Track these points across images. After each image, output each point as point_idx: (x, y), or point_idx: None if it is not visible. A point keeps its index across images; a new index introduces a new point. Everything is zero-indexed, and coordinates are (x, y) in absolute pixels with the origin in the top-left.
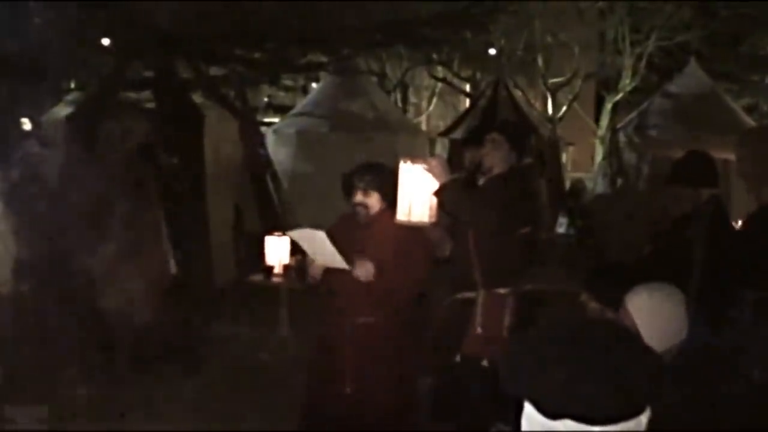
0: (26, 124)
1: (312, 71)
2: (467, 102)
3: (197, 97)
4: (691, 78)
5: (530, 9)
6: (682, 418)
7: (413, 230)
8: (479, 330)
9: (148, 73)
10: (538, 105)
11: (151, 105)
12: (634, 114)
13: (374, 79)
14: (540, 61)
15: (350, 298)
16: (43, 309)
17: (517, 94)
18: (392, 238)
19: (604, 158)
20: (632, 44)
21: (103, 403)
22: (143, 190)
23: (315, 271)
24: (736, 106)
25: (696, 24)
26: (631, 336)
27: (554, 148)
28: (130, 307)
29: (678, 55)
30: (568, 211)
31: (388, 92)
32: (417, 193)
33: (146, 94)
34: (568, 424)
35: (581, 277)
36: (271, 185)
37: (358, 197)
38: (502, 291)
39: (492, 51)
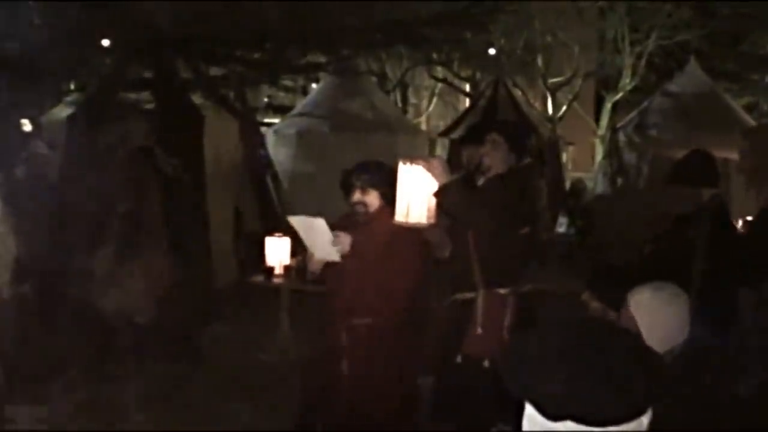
0: (27, 125)
1: (312, 71)
2: (467, 102)
3: (197, 98)
4: (691, 77)
5: (530, 9)
6: (683, 419)
7: (413, 230)
8: (480, 330)
9: (148, 74)
10: (538, 105)
11: (150, 106)
12: (634, 113)
13: (374, 79)
14: (540, 60)
15: (349, 298)
16: (43, 310)
17: (517, 93)
18: (391, 236)
19: (604, 158)
20: (632, 43)
21: (103, 404)
22: (144, 190)
23: (314, 267)
24: (736, 105)
25: (696, 23)
26: (632, 336)
27: (554, 147)
28: (130, 308)
29: (678, 54)
30: (568, 211)
31: (388, 92)
32: (416, 193)
33: (146, 94)
34: (569, 425)
35: (582, 277)
36: (271, 186)
37: (357, 196)
38: (502, 291)
39: (492, 51)
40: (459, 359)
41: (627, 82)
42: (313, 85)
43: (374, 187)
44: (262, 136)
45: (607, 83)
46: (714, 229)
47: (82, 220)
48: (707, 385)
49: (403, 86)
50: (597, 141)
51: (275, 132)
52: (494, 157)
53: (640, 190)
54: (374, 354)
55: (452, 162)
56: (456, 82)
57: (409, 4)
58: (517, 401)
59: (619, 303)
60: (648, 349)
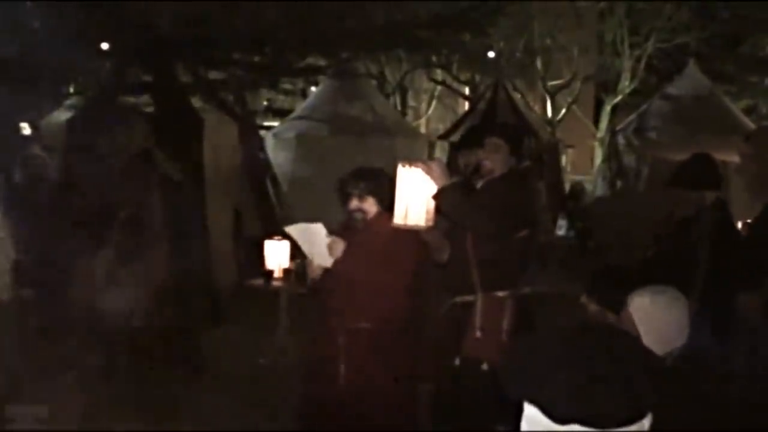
0: (26, 129)
1: (311, 75)
2: (466, 105)
3: (196, 101)
4: (690, 80)
5: (529, 11)
6: (682, 420)
7: (411, 233)
8: (478, 333)
9: (147, 77)
10: (537, 107)
11: (150, 109)
12: (633, 116)
13: (373, 82)
14: (539, 63)
15: (348, 303)
16: (43, 312)
17: (517, 96)
18: (390, 241)
19: (603, 160)
20: (631, 46)
21: (102, 407)
22: (147, 193)
23: (315, 273)
24: (736, 107)
25: (695, 26)
26: (633, 339)
27: (553, 150)
28: (130, 312)
29: (677, 56)
30: (567, 214)
31: (387, 95)
32: (414, 196)
33: (145, 98)
34: (573, 427)
35: (581, 280)
36: (270, 189)
37: (354, 203)
38: (501, 294)
39: (491, 54)
40: (458, 362)
41: (626, 85)
42: (313, 89)
43: (371, 193)
44: (261, 140)
45: (607, 86)
46: (716, 231)
47: (82, 223)
48: (706, 386)
49: (403, 89)
50: (596, 144)
51: (274, 135)
52: (495, 160)
53: (639, 192)
54: (373, 358)
55: (451, 165)
56: (455, 85)
57: (408, 7)
58: (515, 404)
59: (619, 305)
60: (648, 352)
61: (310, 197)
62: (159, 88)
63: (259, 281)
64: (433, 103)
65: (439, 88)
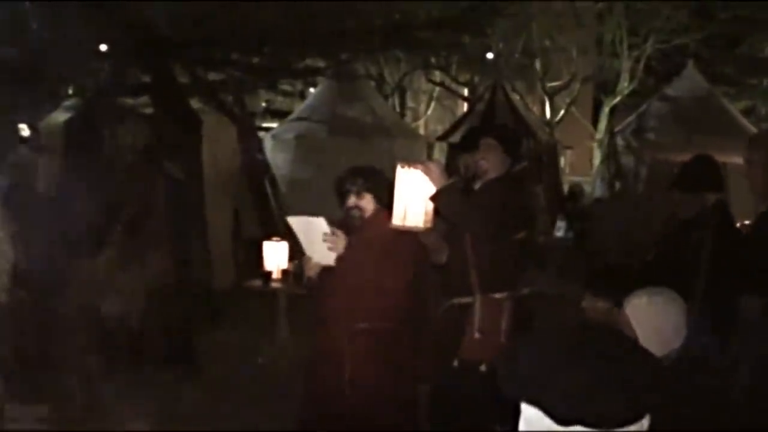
0: (24, 130)
1: (310, 76)
2: (465, 106)
3: (195, 103)
4: (689, 81)
5: (528, 12)
6: (681, 421)
7: (409, 232)
8: (477, 335)
9: (146, 79)
10: (536, 109)
11: (148, 110)
12: (632, 117)
13: (372, 83)
14: (538, 64)
15: (346, 302)
16: (42, 314)
17: (515, 98)
18: (388, 239)
19: (602, 162)
20: (630, 47)
21: (101, 408)
22: (151, 194)
23: (311, 271)
24: (734, 108)
25: (694, 27)
26: (630, 340)
27: (552, 151)
28: (129, 312)
29: (676, 58)
30: (566, 215)
31: (386, 97)
32: (413, 197)
33: (144, 99)
34: (577, 428)
35: (580, 281)
36: (269, 190)
37: (352, 200)
38: (499, 295)
39: (490, 55)
40: (456, 363)
41: (625, 86)
42: (312, 90)
43: (369, 190)
44: (260, 141)
45: (605, 87)
46: (718, 233)
47: (82, 225)
48: (705, 388)
49: (402, 90)
50: (595, 145)
51: (273, 136)
52: (490, 162)
53: (638, 194)
54: (372, 358)
55: (450, 166)
56: (454, 86)
57: (407, 8)
58: (514, 405)
59: (618, 305)
60: (645, 352)
61: (308, 198)
62: (158, 90)
63: (257, 282)
64: (432, 104)
65: (437, 89)
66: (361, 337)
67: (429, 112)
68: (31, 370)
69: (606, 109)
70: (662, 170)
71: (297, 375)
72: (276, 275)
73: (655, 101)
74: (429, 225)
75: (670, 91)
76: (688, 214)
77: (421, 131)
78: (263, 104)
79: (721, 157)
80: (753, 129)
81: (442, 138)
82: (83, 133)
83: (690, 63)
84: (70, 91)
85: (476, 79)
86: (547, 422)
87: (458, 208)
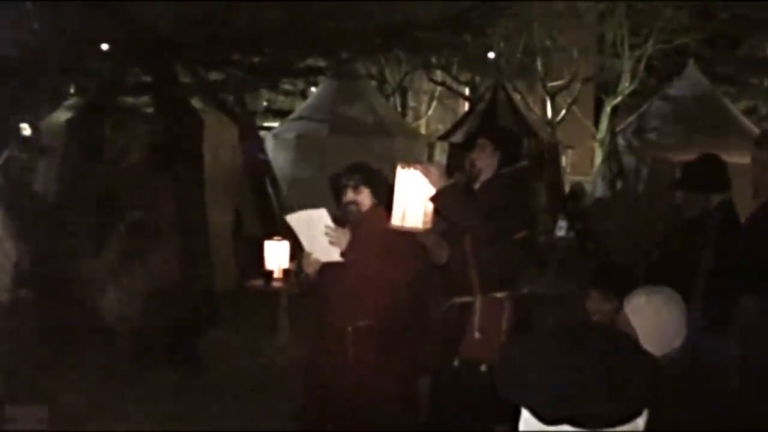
0: (26, 129)
1: (311, 75)
2: (466, 106)
3: (196, 102)
4: (690, 81)
5: (529, 12)
6: (679, 420)
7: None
8: (477, 334)
9: (147, 78)
10: (537, 108)
11: (150, 110)
12: (633, 117)
13: (373, 83)
14: (539, 64)
15: (345, 299)
16: (44, 312)
17: (516, 97)
18: (385, 234)
19: (603, 161)
20: (631, 47)
21: (103, 406)
22: (158, 194)
23: (310, 268)
24: (735, 108)
25: (695, 27)
26: (628, 339)
27: (553, 151)
28: (131, 312)
29: (677, 57)
30: (567, 215)
31: (387, 96)
32: (412, 198)
33: (145, 99)
34: (565, 428)
35: (581, 281)
36: (270, 190)
37: (350, 195)
38: (499, 295)
39: (491, 54)
40: (456, 363)
41: (626, 86)
42: (313, 89)
43: (366, 185)
44: (261, 140)
45: (607, 87)
46: (723, 233)
47: (83, 224)
48: (704, 386)
49: (403, 90)
50: (596, 145)
51: (274, 136)
52: (484, 161)
53: (639, 193)
54: (371, 356)
55: (451, 166)
56: (455, 85)
57: (408, 8)
58: (514, 404)
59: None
60: (644, 352)
61: (309, 198)
62: (159, 89)
63: (258, 281)
64: (433, 104)
65: (439, 88)
66: (360, 334)
67: (430, 111)
68: (31, 369)
69: (607, 109)
70: (663, 170)
71: (298, 374)
72: (277, 275)
73: (656, 101)
74: (428, 226)
75: (671, 90)
76: (692, 213)
77: (423, 131)
78: (264, 104)
79: (722, 157)
80: (754, 129)
81: (443, 138)
82: (85, 133)
83: (691, 63)
84: (72, 91)
85: (477, 78)
86: (539, 422)
87: (458, 208)
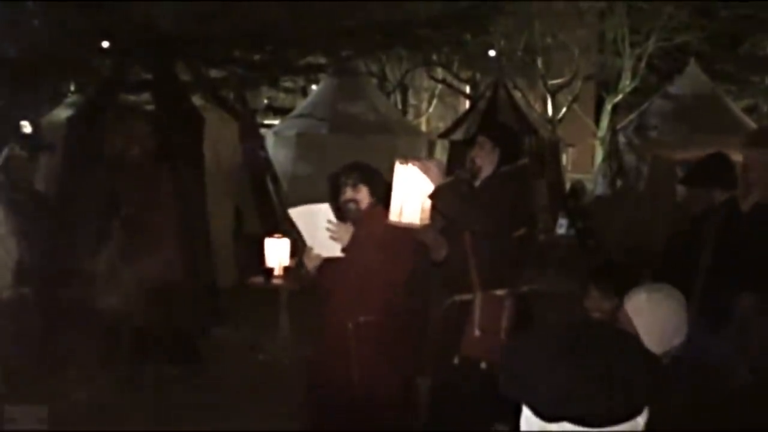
0: (26, 127)
1: (312, 73)
2: (467, 103)
3: (197, 100)
4: (691, 79)
5: (530, 10)
6: (679, 419)
7: (405, 228)
8: (477, 332)
9: (148, 76)
10: (538, 106)
11: (150, 107)
12: (634, 115)
13: (374, 80)
14: (540, 62)
15: (345, 296)
16: (44, 310)
17: (517, 95)
18: (384, 232)
19: (604, 159)
20: (632, 45)
21: (103, 405)
22: (158, 191)
23: (311, 264)
24: (736, 107)
25: (695, 25)
26: (629, 337)
27: (554, 149)
28: (131, 309)
29: (678, 56)
30: (568, 213)
31: (388, 94)
32: (410, 194)
33: (145, 96)
34: (565, 425)
35: (581, 278)
36: (271, 187)
37: (348, 193)
38: (499, 293)
39: (492, 52)
40: (456, 361)
41: (627, 84)
42: (313, 87)
43: (365, 183)
44: (261, 138)
45: (607, 85)
46: (727, 230)
47: (84, 221)
48: (704, 385)
49: (403, 88)
50: (597, 143)
51: (275, 133)
52: (482, 159)
53: (640, 191)
54: (372, 352)
55: (452, 163)
56: (456, 83)
57: (409, 6)
58: (515, 403)
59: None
60: (644, 350)
61: (310, 195)
62: (159, 87)
63: (259, 279)
64: (434, 101)
65: (439, 86)
66: (360, 331)
67: (431, 109)
68: (31, 369)
69: (608, 107)
70: (664, 168)
71: (299, 371)
72: (278, 272)
73: (657, 99)
74: (426, 222)
75: (672, 89)
76: (696, 210)
77: (423, 128)
78: (265, 101)
79: None
80: (755, 127)
81: (443, 135)
82: (85, 130)
83: (692, 61)
84: (72, 88)
85: (478, 76)
86: (540, 420)
87: (458, 205)
